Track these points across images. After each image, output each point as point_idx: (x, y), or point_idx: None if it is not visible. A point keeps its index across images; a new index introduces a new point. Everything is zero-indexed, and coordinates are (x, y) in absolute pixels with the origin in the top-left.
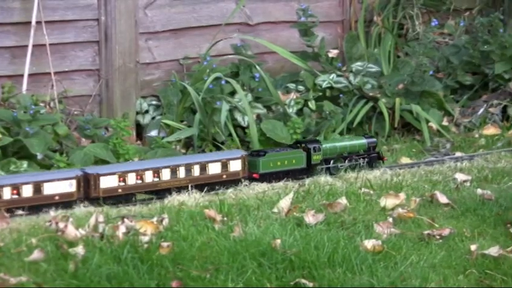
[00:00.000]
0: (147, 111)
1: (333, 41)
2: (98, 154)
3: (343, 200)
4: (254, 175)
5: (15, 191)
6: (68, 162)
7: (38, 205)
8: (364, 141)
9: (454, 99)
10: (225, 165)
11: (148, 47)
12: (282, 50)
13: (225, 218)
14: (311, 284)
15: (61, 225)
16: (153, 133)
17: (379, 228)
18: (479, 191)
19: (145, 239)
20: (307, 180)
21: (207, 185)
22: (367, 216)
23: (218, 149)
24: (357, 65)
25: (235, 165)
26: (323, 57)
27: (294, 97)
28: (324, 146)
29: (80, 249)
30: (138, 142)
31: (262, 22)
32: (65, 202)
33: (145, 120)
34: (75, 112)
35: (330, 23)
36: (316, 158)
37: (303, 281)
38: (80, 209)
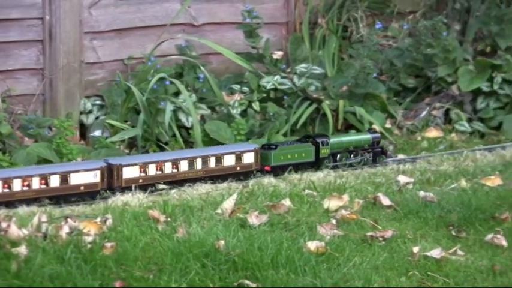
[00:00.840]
0: (90, 111)
1: (277, 43)
2: (41, 154)
3: (286, 202)
4: (266, 168)
5: (43, 181)
6: (11, 161)
7: (64, 195)
8: (368, 136)
9: (397, 102)
10: (239, 158)
11: (93, 46)
12: (227, 51)
13: (169, 219)
14: (254, 285)
15: (4, 224)
16: (97, 133)
17: (322, 229)
18: (421, 193)
19: (89, 239)
20: (251, 182)
21: (222, 176)
22: (310, 218)
23: (162, 149)
24: (301, 67)
25: (249, 158)
26: (267, 59)
27: (238, 98)
28: (331, 140)
29: (22, 249)
30: (82, 142)
31: (207, 23)
32: (90, 192)
33: (89, 120)
34: (19, 111)
35: (275, 24)
36: (324, 151)
37: (246, 281)
38: (23, 209)
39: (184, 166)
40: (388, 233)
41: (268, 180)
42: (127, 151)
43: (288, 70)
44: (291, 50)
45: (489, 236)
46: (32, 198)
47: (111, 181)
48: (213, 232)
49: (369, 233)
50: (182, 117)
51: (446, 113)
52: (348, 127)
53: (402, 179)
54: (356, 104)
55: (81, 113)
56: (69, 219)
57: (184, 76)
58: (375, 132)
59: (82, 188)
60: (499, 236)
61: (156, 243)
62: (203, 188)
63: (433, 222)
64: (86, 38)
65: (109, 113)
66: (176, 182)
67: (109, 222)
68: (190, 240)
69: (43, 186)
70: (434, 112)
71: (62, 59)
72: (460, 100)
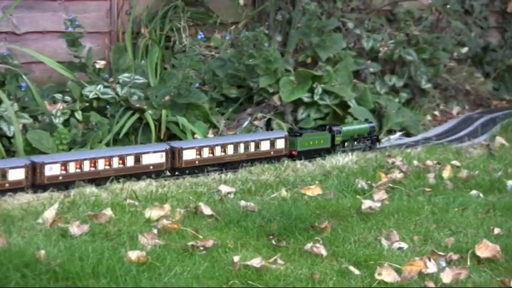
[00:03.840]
0: None
1: (100, 52)
2: None
3: (108, 211)
4: (293, 152)
5: (121, 161)
6: None
7: (137, 173)
8: (367, 125)
9: (220, 112)
10: (272, 144)
11: None
12: (49, 60)
13: None
14: None
15: None
16: None
17: (143, 239)
18: (242, 202)
19: None
20: (73, 191)
21: (259, 159)
22: (132, 228)
23: None
24: (124, 77)
25: (280, 144)
26: (90, 68)
27: (61, 107)
28: (343, 129)
29: None
30: None
31: (30, 32)
32: (157, 171)
33: None
34: None
35: (98, 33)
36: (338, 139)
37: None
38: None
39: (230, 150)
40: (209, 242)
41: (90, 190)
42: None
43: (111, 79)
44: (113, 60)
45: (308, 245)
46: (113, 176)
47: (174, 162)
48: (34, 242)
49: (190, 243)
50: (4, 126)
51: (268, 123)
52: (170, 137)
53: (223, 188)
54: (178, 113)
55: None
56: None
57: (6, 85)
58: (371, 122)
59: (151, 167)
60: (318, 245)
61: None
62: (24, 197)
63: (254, 232)
64: None
65: None
66: (223, 164)
67: None
68: (10, 250)
69: (121, 166)
70: (256, 122)
71: None
72: (282, 110)
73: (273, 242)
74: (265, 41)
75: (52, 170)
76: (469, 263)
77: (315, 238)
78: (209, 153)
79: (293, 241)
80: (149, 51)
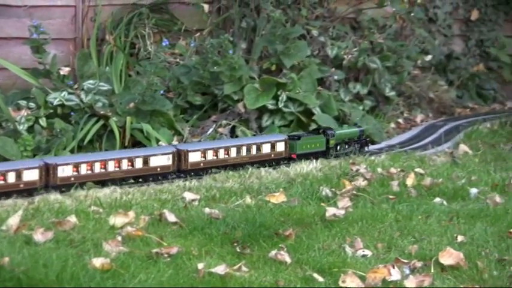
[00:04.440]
0: None
1: (65, 59)
2: None
3: (72, 218)
4: (292, 155)
5: (130, 163)
6: None
7: (145, 175)
8: (357, 129)
9: (184, 119)
10: (273, 146)
11: None
12: (13, 66)
13: None
14: None
15: None
16: None
17: (107, 246)
18: (207, 210)
19: None
20: (37, 198)
21: (260, 162)
22: (96, 235)
23: None
24: (88, 83)
25: (280, 146)
26: (55, 75)
27: (25, 114)
28: (336, 132)
29: None
30: None
31: None
32: (163, 173)
33: None
34: None
35: (62, 40)
36: (332, 142)
37: None
38: None
39: (233, 153)
40: (174, 250)
41: (54, 197)
42: None
43: (75, 86)
44: (78, 66)
45: (273, 252)
46: (121, 178)
47: (180, 164)
48: None
49: (155, 250)
50: None
51: (233, 130)
52: (135, 144)
53: (188, 195)
54: (143, 120)
55: None
56: None
57: None
58: (360, 126)
59: (158, 169)
60: (282, 252)
61: None
62: None
63: (218, 239)
64: None
65: None
66: (226, 166)
67: None
68: None
69: (130, 168)
70: (220, 129)
71: None
72: (246, 117)
73: (237, 249)
74: (230, 48)
75: (64, 171)
76: (432, 271)
77: (279, 245)
78: (213, 155)
79: (257, 248)
80: (114, 58)
